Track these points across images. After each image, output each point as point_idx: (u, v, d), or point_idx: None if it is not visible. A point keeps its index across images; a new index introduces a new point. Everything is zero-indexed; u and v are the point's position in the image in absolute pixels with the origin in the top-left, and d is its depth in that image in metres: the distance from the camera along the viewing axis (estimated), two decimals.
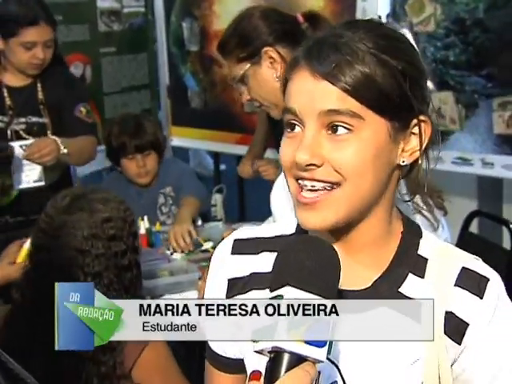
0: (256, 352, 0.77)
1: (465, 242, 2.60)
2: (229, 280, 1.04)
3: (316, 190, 0.91)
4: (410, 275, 0.97)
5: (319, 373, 0.96)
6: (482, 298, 0.95)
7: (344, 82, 0.88)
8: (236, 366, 1.05)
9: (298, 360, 0.74)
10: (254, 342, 0.77)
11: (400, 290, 0.96)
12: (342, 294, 0.96)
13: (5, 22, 2.59)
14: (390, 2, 3.18)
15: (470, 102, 2.92)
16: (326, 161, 0.89)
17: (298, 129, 0.92)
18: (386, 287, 0.96)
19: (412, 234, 1.00)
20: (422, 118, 0.93)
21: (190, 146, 4.52)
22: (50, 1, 3.63)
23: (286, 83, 0.95)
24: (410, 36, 2.95)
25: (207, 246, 2.72)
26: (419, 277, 0.97)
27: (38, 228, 1.75)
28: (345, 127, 0.89)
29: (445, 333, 0.94)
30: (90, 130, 2.77)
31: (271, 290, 0.77)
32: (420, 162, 0.95)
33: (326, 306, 0.75)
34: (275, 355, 0.75)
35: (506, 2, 2.79)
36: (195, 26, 3.98)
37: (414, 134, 0.94)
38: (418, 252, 0.98)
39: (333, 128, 0.89)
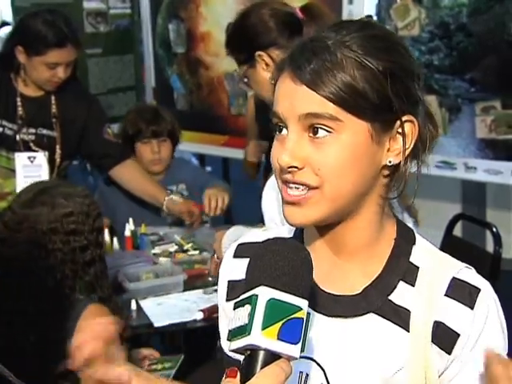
0: (232, 351, 0.78)
1: (448, 245, 2.62)
2: (228, 282, 1.07)
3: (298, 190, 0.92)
4: (401, 283, 0.97)
5: (307, 375, 0.97)
6: (472, 309, 0.95)
7: (323, 90, 0.89)
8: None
9: (272, 357, 0.76)
10: (229, 341, 0.79)
11: (390, 297, 0.96)
12: (333, 299, 0.97)
13: (32, 40, 2.58)
14: (375, 6, 3.20)
15: (454, 106, 2.95)
16: (307, 163, 0.91)
17: (284, 131, 0.93)
18: (376, 294, 0.96)
19: (405, 240, 1.00)
20: (405, 118, 0.93)
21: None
22: (36, 2, 3.65)
23: (275, 86, 0.96)
24: None
25: (188, 245, 2.73)
26: (410, 285, 0.97)
27: (1, 221, 1.75)
28: (324, 129, 0.90)
29: (433, 342, 0.94)
30: (121, 151, 2.86)
31: (246, 290, 0.78)
32: (402, 163, 0.94)
33: (299, 305, 0.76)
34: (251, 353, 0.76)
35: (489, 6, 2.82)
36: (181, 27, 3.98)
37: (400, 133, 0.94)
38: (410, 259, 0.98)
39: (313, 130, 0.91)
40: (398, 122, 0.93)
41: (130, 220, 2.83)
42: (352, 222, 0.96)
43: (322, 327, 0.96)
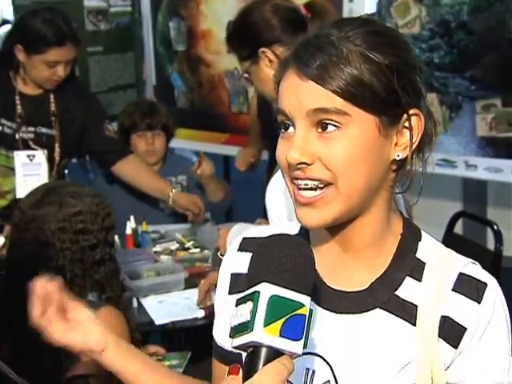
0: (234, 348, 0.78)
1: (449, 243, 2.60)
2: (232, 274, 1.07)
3: (310, 189, 0.92)
4: (408, 278, 0.97)
5: (313, 372, 0.97)
6: (479, 303, 0.95)
7: (331, 84, 0.89)
8: (235, 358, 1.05)
9: (275, 354, 0.76)
10: (231, 337, 0.79)
11: (396, 293, 0.97)
12: (340, 295, 0.98)
13: (32, 39, 2.59)
14: (375, 4, 3.21)
15: (454, 104, 2.95)
16: (316, 158, 0.91)
17: (291, 129, 0.93)
18: (383, 290, 0.97)
19: (411, 236, 1.00)
20: (411, 111, 0.93)
21: (177, 145, 4.52)
22: (37, 0, 3.65)
23: (279, 83, 0.96)
24: None
25: (189, 243, 2.74)
26: (417, 280, 0.97)
27: (12, 222, 1.76)
28: (333, 124, 0.90)
29: (440, 336, 0.95)
30: (123, 147, 2.90)
31: (248, 287, 0.79)
32: (409, 157, 0.94)
33: (301, 301, 0.77)
34: (253, 349, 0.77)
35: (489, 4, 2.82)
36: (182, 25, 3.98)
37: (406, 127, 0.94)
38: (417, 255, 0.99)
39: (321, 126, 0.90)
40: (405, 116, 0.93)
41: (132, 218, 2.83)
42: (361, 219, 0.96)
43: (328, 324, 0.97)
